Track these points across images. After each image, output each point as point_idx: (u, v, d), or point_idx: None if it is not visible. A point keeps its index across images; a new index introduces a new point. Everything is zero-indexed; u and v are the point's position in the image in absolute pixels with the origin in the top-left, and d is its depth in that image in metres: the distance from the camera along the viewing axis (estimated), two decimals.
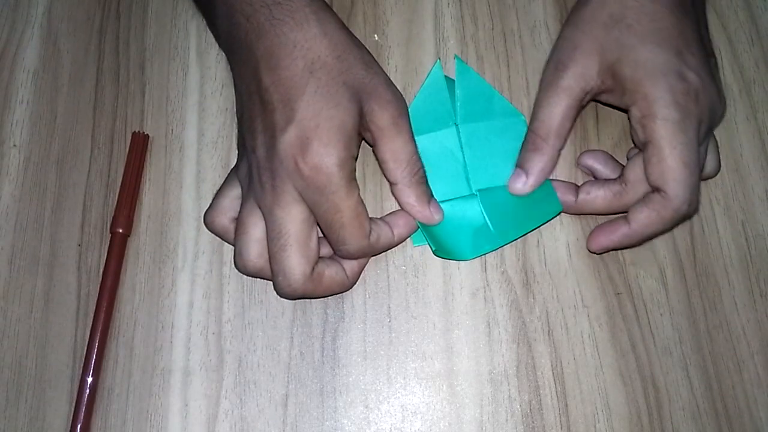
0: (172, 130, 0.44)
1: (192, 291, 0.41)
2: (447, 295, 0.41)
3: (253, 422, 0.39)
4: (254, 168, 0.38)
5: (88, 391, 0.39)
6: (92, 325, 0.40)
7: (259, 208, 0.37)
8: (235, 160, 0.43)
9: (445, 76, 0.44)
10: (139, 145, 0.43)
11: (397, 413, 0.39)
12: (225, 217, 0.40)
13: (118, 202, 0.42)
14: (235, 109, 0.43)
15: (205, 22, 0.45)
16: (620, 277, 0.41)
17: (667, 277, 0.41)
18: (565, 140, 0.41)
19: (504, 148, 0.42)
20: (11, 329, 0.41)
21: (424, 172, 0.40)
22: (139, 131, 0.44)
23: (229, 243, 0.41)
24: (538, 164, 0.40)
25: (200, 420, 0.39)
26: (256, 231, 0.38)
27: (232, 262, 0.40)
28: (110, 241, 0.42)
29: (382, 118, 0.37)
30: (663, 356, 0.40)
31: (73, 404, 0.39)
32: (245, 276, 0.41)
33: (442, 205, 0.41)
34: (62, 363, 0.40)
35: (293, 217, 0.36)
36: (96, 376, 0.40)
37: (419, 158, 0.39)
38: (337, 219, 0.37)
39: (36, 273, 0.42)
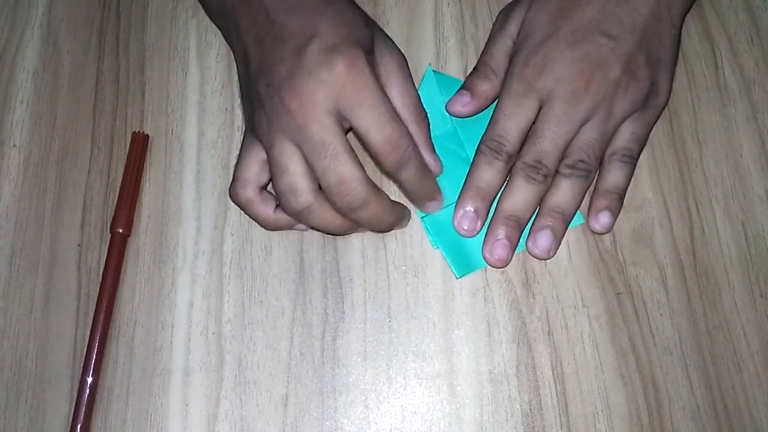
0: (172, 130, 0.44)
1: (192, 291, 0.41)
2: (447, 295, 0.41)
3: (253, 422, 0.39)
4: (275, 101, 0.36)
5: (88, 391, 0.39)
6: (92, 325, 0.40)
7: (290, 138, 0.36)
8: (235, 159, 0.43)
9: (442, 75, 0.44)
10: (139, 145, 0.43)
11: (397, 413, 0.39)
12: (250, 189, 0.39)
13: (118, 202, 0.42)
14: (239, 102, 0.43)
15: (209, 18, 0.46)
16: (620, 277, 0.41)
17: (667, 277, 0.41)
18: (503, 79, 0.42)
19: None
20: (11, 329, 0.41)
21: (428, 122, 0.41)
22: (139, 131, 0.44)
23: (252, 216, 0.40)
24: (486, 90, 0.42)
25: (200, 420, 0.39)
26: (297, 165, 0.37)
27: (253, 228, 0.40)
28: (110, 241, 0.42)
29: (391, 60, 0.39)
30: (663, 356, 0.40)
31: (73, 404, 0.39)
32: (245, 278, 0.41)
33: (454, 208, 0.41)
34: (62, 363, 0.40)
35: (331, 128, 0.36)
36: (96, 376, 0.40)
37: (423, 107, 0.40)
38: (380, 114, 0.36)
39: (36, 273, 0.42)
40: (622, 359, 0.40)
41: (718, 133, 0.43)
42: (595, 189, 0.42)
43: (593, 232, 0.41)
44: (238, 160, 0.40)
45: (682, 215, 0.42)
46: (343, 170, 0.36)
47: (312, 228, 0.41)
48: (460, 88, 0.43)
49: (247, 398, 0.40)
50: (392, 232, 0.42)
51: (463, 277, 0.41)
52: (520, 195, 0.40)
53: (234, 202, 0.40)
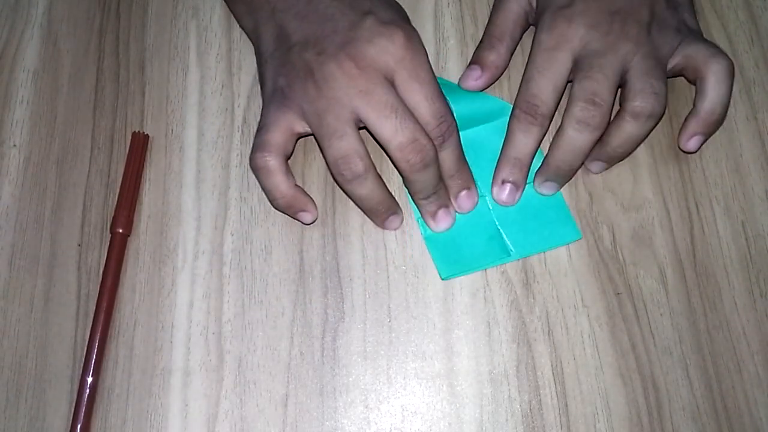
0: (172, 130, 0.44)
1: (192, 291, 0.41)
2: (447, 295, 0.41)
3: (253, 422, 0.39)
4: (330, 67, 0.37)
5: (88, 391, 0.39)
6: (92, 325, 0.40)
7: (348, 103, 0.37)
8: (235, 159, 0.43)
9: (442, 80, 0.44)
10: (139, 145, 0.43)
11: (397, 413, 0.39)
12: (276, 156, 0.39)
13: (118, 202, 0.42)
14: (257, 76, 0.44)
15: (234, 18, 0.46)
16: (620, 277, 0.41)
17: (667, 277, 0.41)
18: (515, 45, 0.43)
19: None
20: (11, 329, 0.41)
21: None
22: (139, 131, 0.44)
23: (269, 186, 0.40)
24: (493, 61, 0.42)
25: (200, 420, 0.39)
26: (354, 130, 0.38)
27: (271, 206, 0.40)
28: (110, 241, 0.42)
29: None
30: (663, 356, 0.40)
31: (73, 404, 0.39)
32: (245, 278, 0.41)
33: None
34: (62, 363, 0.40)
35: (394, 91, 0.37)
36: (96, 376, 0.40)
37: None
38: (434, 88, 0.38)
39: (36, 273, 0.42)
40: (622, 359, 0.40)
41: (718, 133, 0.43)
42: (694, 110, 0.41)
43: (684, 151, 0.42)
44: (261, 127, 0.40)
45: (682, 215, 0.42)
46: (415, 128, 0.37)
47: (355, 200, 0.40)
48: (470, 63, 0.43)
49: (247, 398, 0.39)
50: (392, 232, 0.42)
51: (447, 280, 0.41)
52: (570, 146, 0.40)
53: (255, 168, 0.39)
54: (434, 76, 0.39)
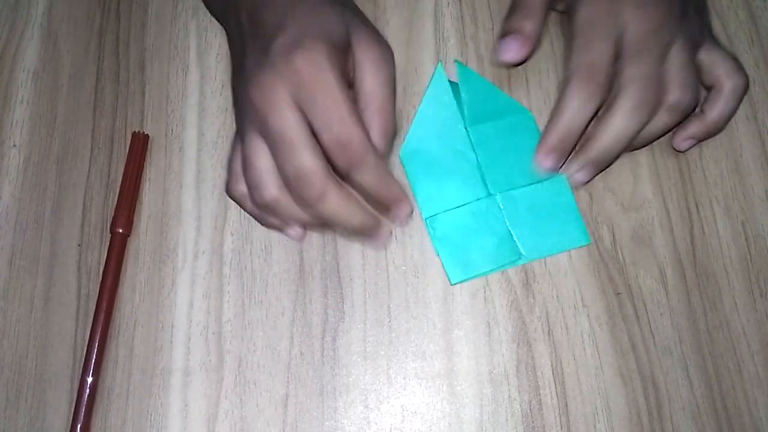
0: (172, 130, 0.44)
1: (192, 291, 0.41)
2: (447, 295, 0.41)
3: (253, 422, 0.39)
4: (243, 96, 0.37)
5: (88, 391, 0.39)
6: (92, 325, 0.40)
7: (257, 133, 0.36)
8: None
9: (465, 68, 0.44)
10: (139, 145, 0.43)
11: (397, 413, 0.39)
12: (242, 183, 0.39)
13: (118, 202, 0.42)
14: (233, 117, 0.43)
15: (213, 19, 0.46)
16: (620, 277, 0.41)
17: (667, 277, 0.41)
18: (545, 22, 0.42)
19: (515, 145, 0.42)
20: (11, 329, 0.41)
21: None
22: (139, 131, 0.44)
23: (248, 211, 0.40)
24: (533, 30, 0.41)
25: (200, 420, 0.39)
26: (262, 160, 0.36)
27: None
28: (110, 241, 0.42)
29: (368, 54, 0.37)
30: (663, 356, 0.40)
31: (73, 404, 0.39)
32: (245, 278, 0.41)
33: (460, 210, 0.41)
34: (62, 363, 0.40)
35: (291, 120, 0.35)
36: (96, 376, 0.40)
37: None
38: (333, 112, 0.35)
39: (36, 273, 0.42)
40: (622, 359, 0.40)
41: (718, 134, 0.43)
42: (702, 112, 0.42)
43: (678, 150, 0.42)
44: (230, 155, 0.40)
45: (682, 215, 0.42)
46: (299, 161, 0.35)
47: (280, 223, 0.40)
48: (505, 34, 0.41)
49: (247, 398, 0.40)
50: (392, 232, 0.42)
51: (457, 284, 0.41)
52: (622, 125, 0.39)
53: (230, 197, 0.40)
54: (340, 98, 0.35)
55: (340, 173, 0.36)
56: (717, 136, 0.43)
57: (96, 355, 0.40)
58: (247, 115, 0.37)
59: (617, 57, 0.38)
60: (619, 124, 0.38)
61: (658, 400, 0.39)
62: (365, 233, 0.38)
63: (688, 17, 0.40)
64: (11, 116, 0.45)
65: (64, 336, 0.41)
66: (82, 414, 0.39)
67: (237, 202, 0.40)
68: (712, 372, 0.39)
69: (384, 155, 0.37)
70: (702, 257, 0.41)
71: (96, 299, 0.41)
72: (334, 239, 0.42)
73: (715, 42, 0.42)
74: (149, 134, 0.44)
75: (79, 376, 0.40)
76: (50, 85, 0.46)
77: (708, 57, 0.41)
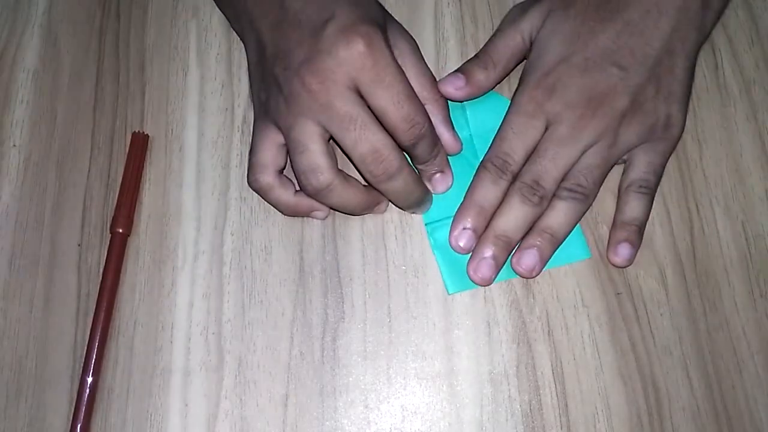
0: (172, 130, 0.44)
1: (192, 291, 0.41)
2: (447, 295, 0.41)
3: (253, 422, 0.39)
4: (294, 83, 0.37)
5: (88, 391, 0.39)
6: (92, 325, 0.40)
7: (311, 118, 0.37)
8: (235, 159, 0.43)
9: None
10: (139, 145, 0.43)
11: (397, 413, 0.39)
12: (269, 173, 0.39)
13: (118, 202, 0.42)
14: (249, 86, 0.43)
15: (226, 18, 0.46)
16: (620, 277, 0.41)
17: (667, 277, 0.41)
18: (505, 75, 0.43)
19: None
20: (11, 329, 0.41)
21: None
22: (139, 131, 0.44)
23: (272, 201, 0.40)
24: (481, 80, 0.42)
25: (200, 420, 0.39)
26: (317, 144, 0.37)
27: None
28: (110, 241, 0.42)
29: (404, 42, 0.40)
30: (663, 356, 0.40)
31: (73, 404, 0.39)
32: (245, 278, 0.41)
33: None
34: (62, 363, 0.40)
35: (356, 101, 0.36)
36: (96, 376, 0.40)
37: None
38: (399, 91, 0.37)
39: (36, 273, 0.42)
40: (622, 359, 0.40)
41: (718, 133, 0.43)
42: (613, 222, 0.41)
43: (614, 265, 0.41)
44: (252, 146, 0.40)
45: (682, 215, 0.42)
46: (375, 138, 0.37)
47: (332, 207, 0.41)
48: (456, 71, 0.42)
49: (247, 398, 0.40)
50: (392, 232, 0.42)
51: (458, 290, 0.41)
52: (513, 215, 0.40)
53: (253, 188, 0.40)
54: (401, 77, 0.37)
55: (403, 149, 0.39)
56: (717, 136, 0.43)
57: (96, 355, 0.40)
58: (298, 102, 0.37)
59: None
60: (507, 213, 0.40)
61: (658, 400, 0.39)
62: (415, 208, 0.41)
63: (636, 112, 0.40)
64: (11, 116, 0.45)
65: (64, 336, 0.41)
66: (82, 414, 0.39)
67: (260, 193, 0.40)
68: (712, 372, 0.39)
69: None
70: (702, 257, 0.41)
71: (96, 299, 0.41)
72: (334, 239, 0.42)
73: (666, 141, 0.41)
74: (149, 134, 0.44)
75: (79, 376, 0.40)
76: (50, 85, 0.46)
77: (637, 157, 0.41)
